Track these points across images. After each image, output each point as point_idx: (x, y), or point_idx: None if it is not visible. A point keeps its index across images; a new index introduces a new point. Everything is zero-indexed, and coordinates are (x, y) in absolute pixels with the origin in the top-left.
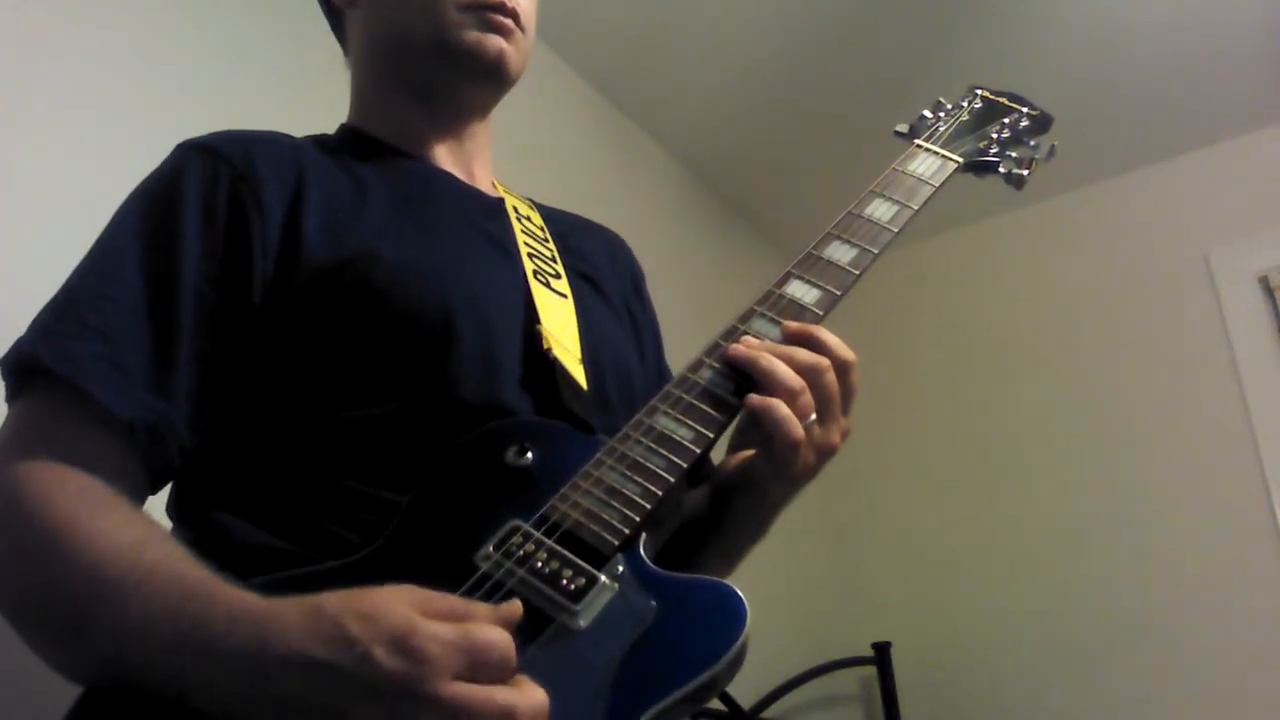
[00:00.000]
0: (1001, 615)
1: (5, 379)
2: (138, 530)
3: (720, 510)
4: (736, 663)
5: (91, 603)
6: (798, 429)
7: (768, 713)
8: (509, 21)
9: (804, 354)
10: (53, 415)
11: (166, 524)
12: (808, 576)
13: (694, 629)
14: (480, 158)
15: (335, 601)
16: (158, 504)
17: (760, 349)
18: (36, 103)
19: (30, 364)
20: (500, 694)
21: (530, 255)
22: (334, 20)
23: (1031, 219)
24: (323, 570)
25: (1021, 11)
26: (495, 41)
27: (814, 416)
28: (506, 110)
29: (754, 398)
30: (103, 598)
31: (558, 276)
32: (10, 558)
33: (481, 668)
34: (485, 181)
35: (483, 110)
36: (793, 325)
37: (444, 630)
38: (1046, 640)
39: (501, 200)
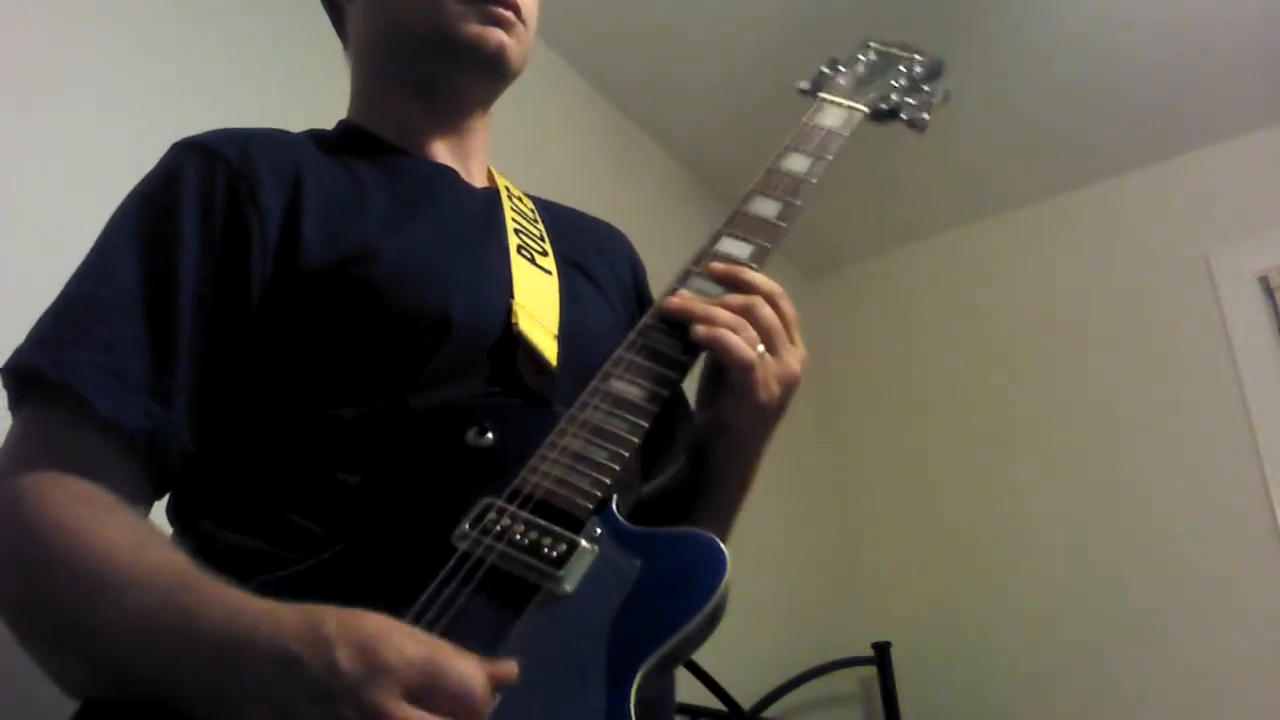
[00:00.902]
0: (1002, 615)
1: (6, 389)
2: (139, 534)
3: (701, 466)
4: (721, 607)
5: (91, 602)
6: (747, 350)
7: (768, 713)
8: (510, 14)
9: (735, 297)
10: (54, 425)
11: (168, 529)
12: (808, 576)
13: (678, 579)
14: (479, 153)
15: (330, 608)
16: (157, 510)
17: (691, 300)
18: (35, 103)
19: (29, 374)
20: None
21: (516, 231)
22: (334, 15)
23: (1031, 219)
24: (301, 570)
25: (1022, 12)
26: (496, 34)
27: (762, 347)
28: (507, 110)
29: (699, 329)
30: (102, 596)
31: (544, 254)
32: (12, 566)
33: (438, 694)
34: (482, 176)
35: (483, 104)
36: (718, 266)
37: (411, 646)
38: (1047, 640)
39: (495, 190)
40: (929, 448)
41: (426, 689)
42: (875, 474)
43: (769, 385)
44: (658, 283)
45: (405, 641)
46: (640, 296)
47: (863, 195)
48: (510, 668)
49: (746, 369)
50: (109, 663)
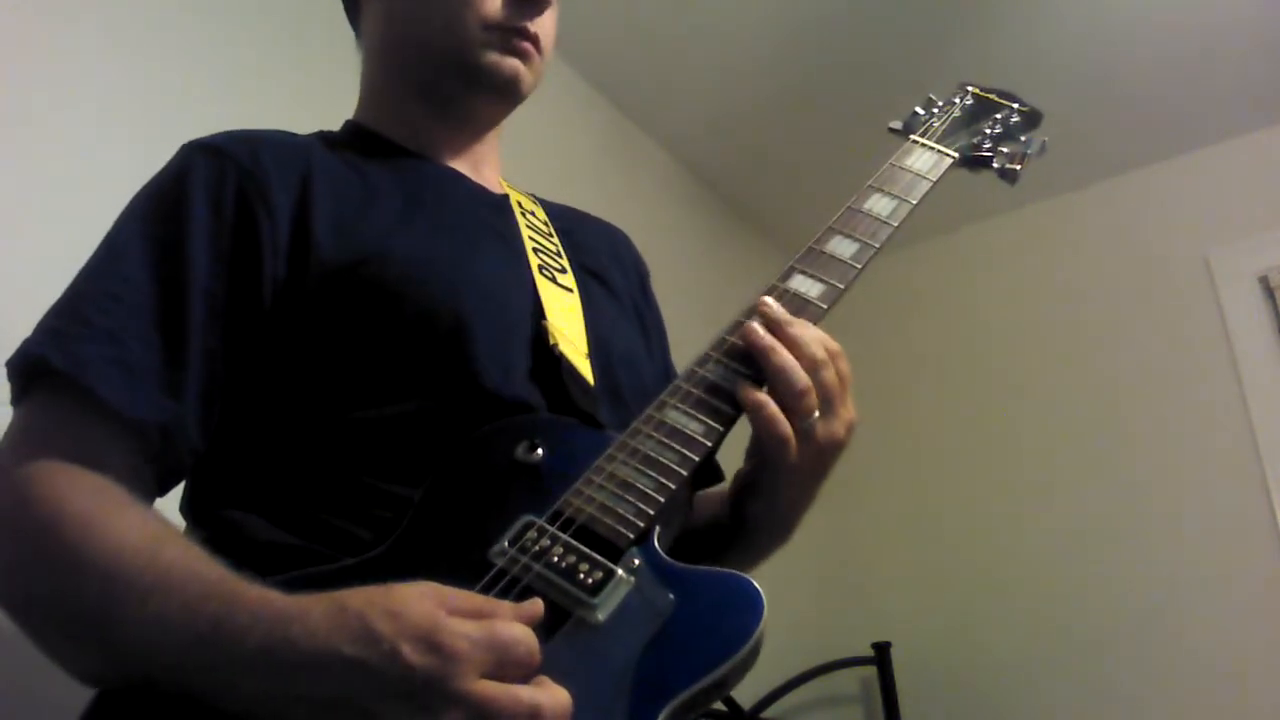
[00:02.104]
0: (1002, 615)
1: (11, 380)
2: (153, 529)
3: (739, 512)
4: (754, 654)
5: (108, 602)
6: (783, 426)
7: (768, 713)
8: (530, 46)
9: (812, 348)
10: (61, 416)
11: (180, 524)
12: (808, 576)
13: (711, 622)
14: (489, 160)
15: (359, 598)
16: (171, 505)
17: (769, 341)
18: (37, 103)
19: (38, 365)
20: (526, 693)
21: (535, 250)
22: (349, 5)
23: (1032, 219)
24: (339, 568)
25: (1022, 12)
26: (513, 64)
27: (817, 414)
28: None
29: (747, 395)
30: (119, 597)
31: (563, 271)
32: (23, 558)
33: (507, 665)
34: (492, 180)
35: (490, 123)
36: (773, 312)
37: (470, 627)
38: (1046, 640)
39: (506, 197)
40: (929, 447)
41: (498, 663)
42: (875, 474)
43: (807, 453)
44: (657, 282)
45: (461, 623)
46: (646, 299)
47: None
48: (537, 605)
49: (782, 443)
50: (129, 658)
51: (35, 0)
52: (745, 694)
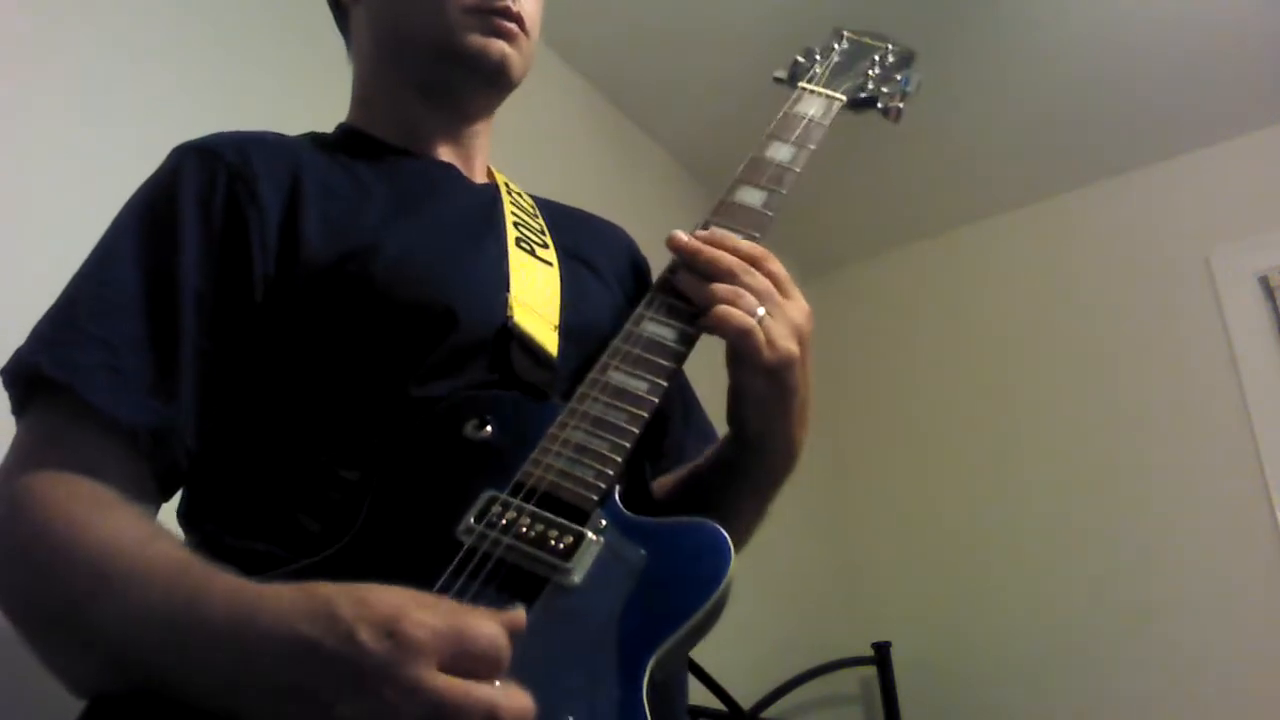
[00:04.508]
0: (1002, 615)
1: (7, 389)
2: (142, 529)
3: (739, 437)
4: (727, 595)
5: (95, 598)
6: (737, 316)
7: (768, 713)
8: (513, 26)
9: (724, 258)
10: (57, 425)
11: (178, 532)
12: (808, 576)
13: (685, 570)
14: (481, 153)
15: (333, 587)
16: (168, 515)
17: (693, 279)
18: (36, 103)
19: (31, 374)
20: (484, 690)
21: (516, 224)
22: (339, 15)
23: (1031, 219)
24: (307, 564)
25: (1022, 13)
26: (499, 46)
27: (762, 311)
28: (506, 110)
29: (702, 317)
30: (105, 591)
31: (545, 246)
32: (15, 565)
33: (469, 659)
34: (483, 174)
35: (486, 111)
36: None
37: (433, 618)
38: (1046, 640)
39: (495, 185)
40: (929, 447)
41: (457, 656)
42: (875, 473)
43: (774, 344)
44: None
45: (424, 613)
46: (643, 287)
47: (862, 195)
48: (519, 615)
49: (743, 334)
50: (114, 656)
51: (33, 0)
52: (745, 694)
